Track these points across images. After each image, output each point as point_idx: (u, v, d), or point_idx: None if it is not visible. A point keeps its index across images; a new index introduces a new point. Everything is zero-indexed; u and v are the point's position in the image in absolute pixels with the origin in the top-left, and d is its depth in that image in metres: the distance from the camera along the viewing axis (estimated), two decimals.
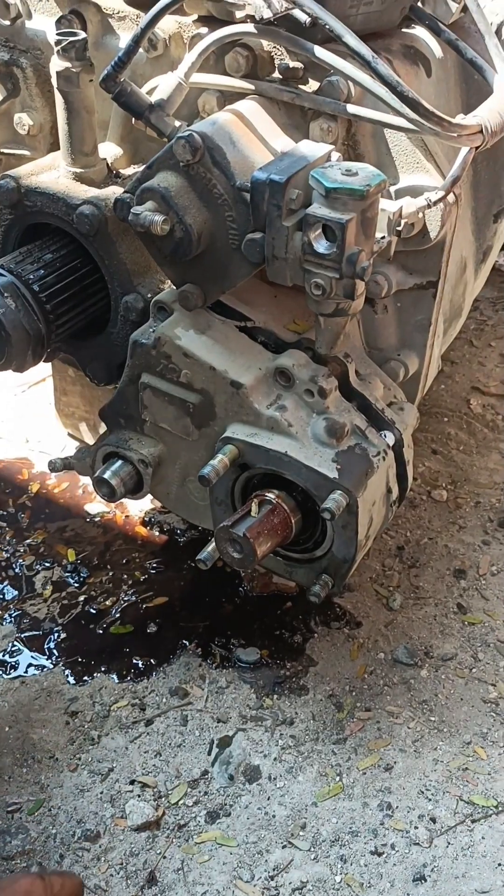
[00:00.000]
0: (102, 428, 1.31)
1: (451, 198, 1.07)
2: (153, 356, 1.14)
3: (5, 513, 1.68)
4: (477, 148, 1.04)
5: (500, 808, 1.23)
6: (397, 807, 1.23)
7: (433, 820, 1.21)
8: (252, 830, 1.20)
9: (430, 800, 1.24)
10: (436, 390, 1.96)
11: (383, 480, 1.14)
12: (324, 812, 1.22)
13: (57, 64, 1.13)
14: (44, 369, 1.73)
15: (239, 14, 1.10)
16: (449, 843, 1.19)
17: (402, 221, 1.03)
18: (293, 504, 1.09)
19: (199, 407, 1.14)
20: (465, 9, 1.22)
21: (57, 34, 1.13)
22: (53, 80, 1.15)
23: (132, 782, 1.25)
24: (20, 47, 1.32)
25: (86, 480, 1.72)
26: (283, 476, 1.09)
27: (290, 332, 1.15)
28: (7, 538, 1.64)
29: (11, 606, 1.51)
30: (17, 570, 1.58)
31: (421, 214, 1.06)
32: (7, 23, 1.30)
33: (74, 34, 1.13)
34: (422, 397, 1.34)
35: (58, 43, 1.12)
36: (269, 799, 1.24)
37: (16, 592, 1.54)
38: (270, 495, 1.08)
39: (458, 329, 1.49)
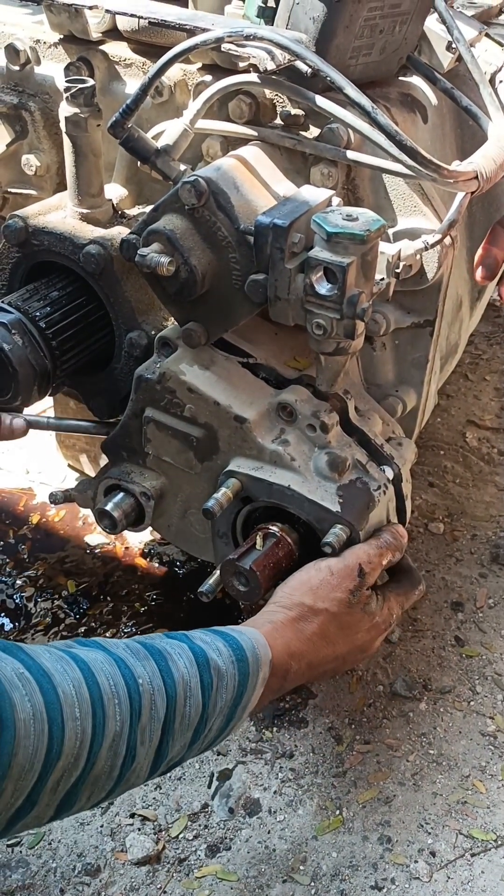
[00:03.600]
0: (103, 460, 1.33)
1: (447, 240, 1.10)
2: (157, 391, 1.16)
3: (5, 544, 1.69)
4: (472, 193, 1.08)
5: (499, 842, 1.23)
6: (397, 840, 1.23)
7: (433, 854, 1.22)
8: (252, 865, 1.20)
9: (429, 833, 1.24)
10: (432, 424, 1.99)
11: (383, 514, 1.16)
12: (324, 846, 1.23)
13: (66, 109, 1.17)
14: (45, 401, 1.75)
15: (242, 64, 1.14)
16: (449, 878, 1.19)
17: (401, 263, 1.06)
18: (296, 537, 1.10)
19: (202, 441, 1.16)
20: (459, 58, 1.27)
21: (66, 81, 1.17)
22: (62, 125, 1.19)
23: (132, 815, 1.25)
24: (29, 91, 1.35)
25: (86, 511, 1.73)
26: (286, 509, 1.11)
27: (291, 369, 1.18)
28: (7, 570, 1.65)
29: (11, 638, 1.52)
30: (17, 602, 1.59)
31: (419, 256, 1.09)
32: (17, 68, 1.34)
33: (83, 81, 1.17)
34: (419, 432, 1.37)
35: (67, 89, 1.15)
36: (269, 832, 1.24)
37: (15, 624, 1.55)
38: (274, 528, 1.09)
39: (454, 365, 1.52)
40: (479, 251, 1.20)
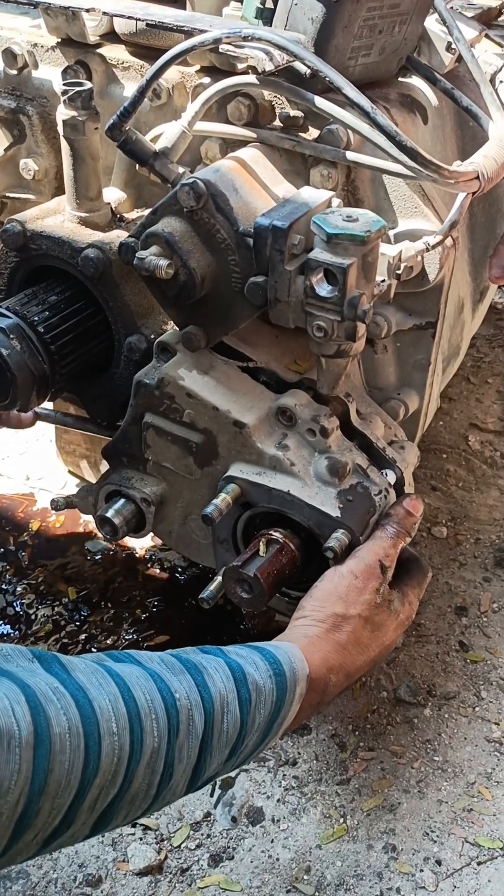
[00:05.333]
0: (104, 466, 1.32)
1: (448, 241, 1.09)
2: (157, 396, 1.15)
3: (5, 550, 1.68)
4: (474, 193, 1.07)
5: None
6: (402, 849, 1.22)
7: (438, 862, 1.20)
8: (256, 874, 1.19)
9: (435, 841, 1.23)
10: (434, 427, 1.98)
11: None
12: (328, 855, 1.21)
13: (63, 113, 1.16)
14: (45, 407, 1.74)
15: (241, 66, 1.13)
16: (455, 887, 1.18)
17: (402, 265, 1.05)
18: (299, 542, 1.09)
19: (201, 446, 1.15)
20: (459, 59, 1.26)
21: (63, 84, 1.16)
22: (59, 128, 1.18)
23: (134, 825, 1.24)
24: (26, 95, 1.35)
25: (86, 518, 1.72)
26: (286, 515, 1.10)
27: (292, 373, 1.17)
28: (7, 576, 1.64)
29: None
30: (17, 609, 1.58)
31: (420, 258, 1.08)
32: (14, 72, 1.33)
33: (81, 84, 1.16)
34: (421, 435, 1.36)
35: (64, 93, 1.15)
36: (272, 841, 1.23)
37: (16, 632, 1.54)
38: (277, 534, 1.08)
39: (456, 367, 1.51)
40: (493, 251, 1.20)
